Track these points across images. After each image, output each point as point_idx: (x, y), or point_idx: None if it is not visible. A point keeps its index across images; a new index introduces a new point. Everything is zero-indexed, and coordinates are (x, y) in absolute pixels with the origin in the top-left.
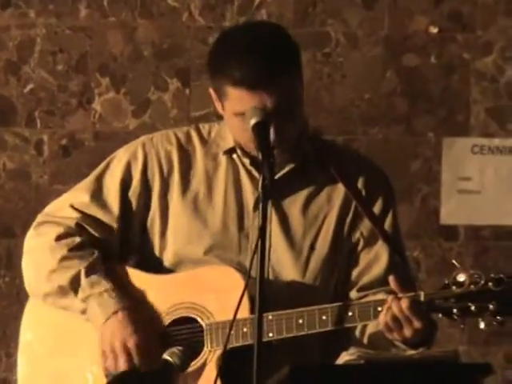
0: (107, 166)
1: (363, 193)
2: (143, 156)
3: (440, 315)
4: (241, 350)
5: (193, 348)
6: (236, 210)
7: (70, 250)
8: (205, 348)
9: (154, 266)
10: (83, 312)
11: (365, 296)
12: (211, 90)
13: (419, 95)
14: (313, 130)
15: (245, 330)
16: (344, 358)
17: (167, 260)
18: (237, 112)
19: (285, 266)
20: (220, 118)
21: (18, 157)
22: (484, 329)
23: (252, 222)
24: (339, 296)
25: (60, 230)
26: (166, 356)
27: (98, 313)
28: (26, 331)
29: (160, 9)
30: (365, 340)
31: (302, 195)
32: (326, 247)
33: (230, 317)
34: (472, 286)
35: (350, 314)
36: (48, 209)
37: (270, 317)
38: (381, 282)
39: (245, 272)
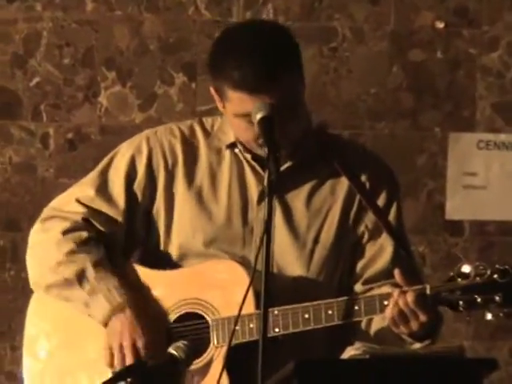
0: (111, 160)
1: (367, 186)
2: (147, 149)
3: (446, 307)
4: (247, 345)
5: (199, 344)
6: (240, 204)
7: (77, 244)
8: (211, 344)
9: (159, 259)
10: (86, 305)
11: (370, 289)
12: (212, 90)
13: (425, 90)
14: (318, 124)
15: (251, 325)
16: (349, 352)
17: (172, 253)
18: (238, 113)
19: (289, 259)
20: None
21: (24, 150)
22: (490, 320)
23: (256, 215)
24: (344, 289)
25: (66, 224)
26: (171, 350)
27: (105, 307)
28: (30, 326)
29: (166, 3)
30: (371, 334)
31: (306, 188)
32: (330, 240)
33: (236, 312)
34: (478, 278)
35: (356, 308)
36: (53, 203)
37: (276, 312)
38: (386, 275)
39: (249, 266)
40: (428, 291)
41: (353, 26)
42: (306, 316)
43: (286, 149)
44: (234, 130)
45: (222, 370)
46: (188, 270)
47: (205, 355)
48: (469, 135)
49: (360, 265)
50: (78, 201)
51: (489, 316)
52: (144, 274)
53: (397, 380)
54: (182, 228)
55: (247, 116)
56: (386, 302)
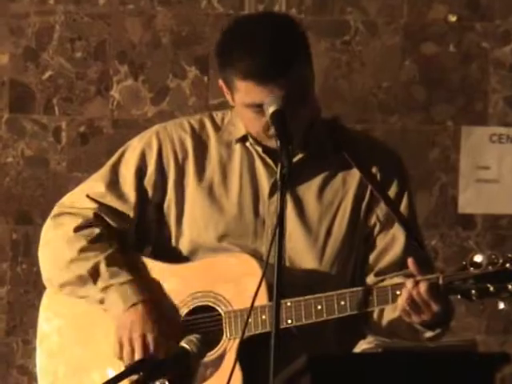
0: (122, 156)
1: (378, 177)
2: (158, 144)
3: (458, 296)
4: (260, 337)
5: (212, 336)
6: (251, 197)
7: (89, 241)
8: (224, 336)
9: (171, 254)
10: (101, 301)
11: (382, 280)
12: (221, 82)
13: (438, 84)
14: (331, 117)
15: (263, 317)
16: (362, 346)
17: (184, 248)
18: (246, 104)
19: (301, 252)
20: None
21: (37, 144)
22: (503, 309)
23: (267, 208)
24: (356, 281)
25: (78, 220)
26: (183, 343)
27: (118, 303)
28: (43, 322)
29: None
30: (383, 324)
31: (317, 181)
32: (342, 232)
33: (248, 304)
34: (490, 267)
35: (369, 298)
36: (64, 200)
37: (289, 303)
38: (398, 266)
39: (261, 259)
40: (441, 281)
41: (365, 19)
42: (319, 307)
43: (295, 139)
44: (243, 121)
45: (235, 362)
46: (200, 263)
47: (218, 347)
48: (481, 129)
49: (372, 256)
50: (89, 197)
51: (501, 305)
52: (156, 267)
53: (409, 374)
54: (194, 222)
55: (256, 106)
56: (398, 292)
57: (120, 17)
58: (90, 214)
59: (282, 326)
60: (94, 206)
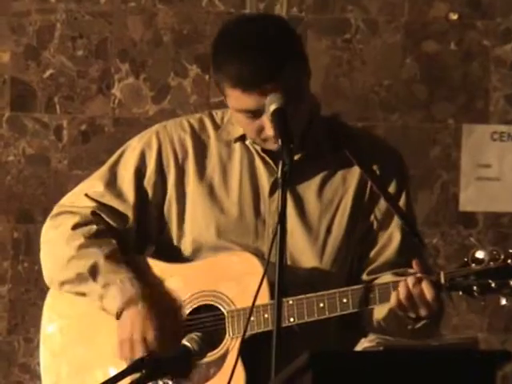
0: (121, 155)
1: (377, 173)
2: (157, 144)
3: (460, 293)
4: (263, 335)
5: (215, 336)
6: (252, 196)
7: (88, 238)
8: (226, 335)
9: (173, 253)
10: (101, 298)
11: (373, 279)
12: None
13: (439, 82)
14: (330, 114)
15: (266, 315)
16: (363, 344)
17: (186, 247)
18: (237, 109)
19: (302, 250)
20: None
21: (38, 142)
22: (505, 305)
23: (268, 207)
24: (353, 279)
25: (76, 218)
26: (184, 342)
27: (117, 299)
28: (47, 322)
29: None
30: (374, 323)
31: (317, 179)
32: (342, 230)
33: (251, 303)
34: (491, 263)
35: (371, 295)
36: (64, 200)
37: (291, 302)
38: (390, 266)
39: (263, 257)
40: (442, 280)
41: (366, 17)
42: (321, 305)
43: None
44: (238, 124)
45: (236, 361)
46: (202, 262)
47: (220, 346)
48: (482, 127)
49: (370, 255)
50: (88, 196)
51: (503, 301)
52: (158, 266)
53: (410, 372)
54: (195, 222)
55: (246, 112)
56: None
57: (121, 15)
58: (88, 212)
59: (284, 325)
60: (93, 204)
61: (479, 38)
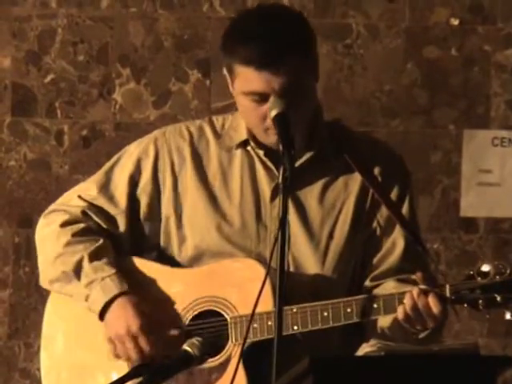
0: (118, 160)
1: (379, 179)
2: (154, 152)
3: (465, 305)
4: (266, 342)
5: (217, 341)
6: (253, 202)
7: (74, 235)
8: (229, 342)
9: (175, 259)
10: (86, 298)
11: (377, 286)
12: (224, 71)
13: (440, 87)
14: (333, 119)
15: (269, 323)
16: (364, 349)
17: (187, 254)
18: (246, 91)
19: (304, 256)
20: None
21: (39, 147)
22: (510, 319)
23: (270, 212)
24: (355, 285)
25: (66, 216)
26: (185, 347)
27: (99, 297)
28: (47, 325)
29: (181, 0)
30: (377, 331)
31: (319, 184)
32: (344, 235)
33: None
34: (497, 277)
35: (375, 306)
36: (59, 200)
37: (295, 310)
38: (394, 272)
39: (266, 263)
40: (448, 293)
41: (367, 22)
42: (325, 314)
43: (298, 135)
44: (243, 114)
45: (237, 367)
46: (205, 268)
47: (223, 352)
48: (483, 132)
49: (372, 261)
50: (80, 197)
51: (508, 315)
52: (161, 271)
53: (411, 377)
54: (196, 228)
55: (254, 94)
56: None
57: (122, 20)
58: (79, 211)
59: (287, 333)
60: (84, 204)
61: (480, 44)
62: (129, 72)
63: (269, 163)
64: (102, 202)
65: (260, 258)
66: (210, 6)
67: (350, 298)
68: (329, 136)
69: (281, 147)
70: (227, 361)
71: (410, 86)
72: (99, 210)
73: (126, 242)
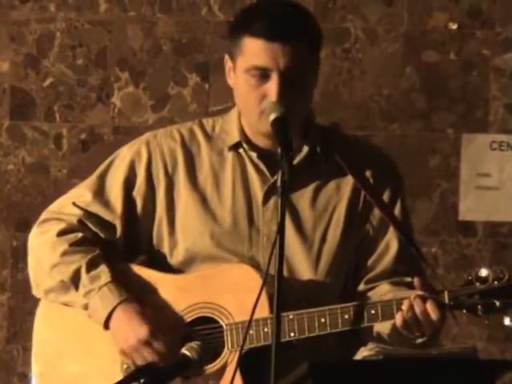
0: (110, 164)
1: (371, 181)
2: (147, 154)
3: (464, 311)
4: (263, 348)
5: (213, 348)
6: (245, 205)
7: (71, 244)
8: (225, 349)
9: (165, 263)
10: (85, 307)
11: (372, 288)
12: (226, 56)
13: (438, 91)
14: (331, 124)
15: (266, 329)
16: (363, 353)
17: (178, 257)
18: (249, 67)
19: (298, 261)
20: None
21: (37, 151)
22: (509, 325)
23: (262, 216)
24: (347, 288)
25: (62, 225)
26: (184, 350)
27: (99, 308)
28: (39, 332)
29: (179, 3)
30: (373, 335)
31: (311, 188)
32: (336, 239)
33: (249, 317)
34: (496, 282)
35: (373, 312)
36: (52, 207)
37: (291, 316)
38: (388, 274)
39: (259, 268)
40: (446, 300)
41: (366, 27)
42: (322, 320)
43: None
44: (240, 99)
45: (234, 374)
46: (200, 273)
47: (219, 359)
48: (482, 136)
49: (366, 264)
50: (75, 204)
51: (507, 321)
52: (155, 277)
53: (410, 381)
54: (188, 231)
55: (258, 69)
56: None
57: (121, 24)
58: (74, 220)
59: (284, 339)
60: (80, 212)
61: (479, 48)
62: (127, 76)
63: (261, 166)
64: (97, 208)
65: (254, 263)
66: (208, 9)
67: (347, 304)
68: (321, 139)
69: (279, 151)
70: (223, 368)
71: (408, 90)
72: (95, 218)
73: (120, 247)
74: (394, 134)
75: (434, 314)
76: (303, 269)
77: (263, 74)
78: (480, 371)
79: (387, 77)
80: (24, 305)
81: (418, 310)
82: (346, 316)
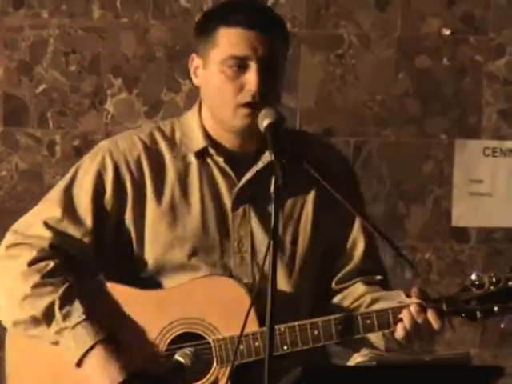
0: (75, 177)
1: (333, 180)
2: (112, 164)
3: (462, 315)
4: (254, 361)
5: (200, 364)
6: (214, 212)
7: (43, 276)
8: (214, 364)
9: (136, 275)
10: (55, 343)
11: (344, 288)
12: (192, 55)
13: (431, 97)
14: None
15: (256, 344)
16: (356, 359)
17: (148, 268)
18: (226, 57)
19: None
20: None
21: (31, 157)
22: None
23: (232, 222)
24: (317, 291)
25: (33, 253)
26: (177, 357)
27: (72, 348)
28: (10, 361)
29: (173, 10)
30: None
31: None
32: (306, 241)
33: (237, 331)
34: (492, 287)
35: (369, 322)
36: (18, 226)
37: (282, 329)
38: (357, 273)
39: (231, 274)
40: (444, 307)
41: (359, 33)
42: (316, 332)
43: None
44: (214, 93)
45: None
46: (179, 288)
47: (209, 375)
48: (475, 142)
49: (337, 263)
50: (45, 223)
51: (503, 324)
52: (130, 294)
53: None
54: (157, 241)
55: (236, 59)
56: (400, 316)
57: (114, 30)
58: (46, 245)
59: (277, 353)
60: (50, 235)
61: (472, 54)
62: (121, 82)
63: (227, 169)
64: (66, 225)
65: (226, 271)
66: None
67: (340, 315)
68: (289, 143)
69: (272, 156)
70: (215, 383)
71: (401, 96)
72: (66, 237)
73: (91, 262)
74: (388, 140)
75: (435, 323)
76: (278, 274)
77: (240, 64)
78: (473, 377)
79: (381, 82)
80: None
81: (419, 319)
82: (340, 327)
